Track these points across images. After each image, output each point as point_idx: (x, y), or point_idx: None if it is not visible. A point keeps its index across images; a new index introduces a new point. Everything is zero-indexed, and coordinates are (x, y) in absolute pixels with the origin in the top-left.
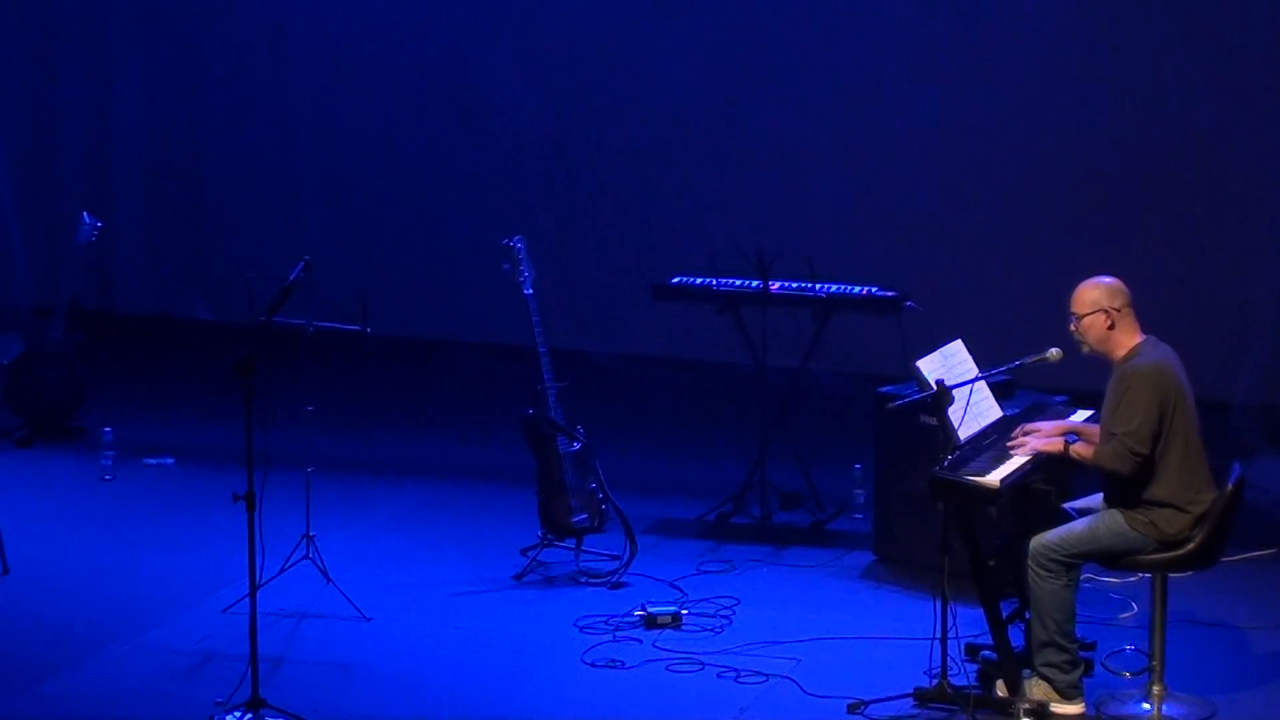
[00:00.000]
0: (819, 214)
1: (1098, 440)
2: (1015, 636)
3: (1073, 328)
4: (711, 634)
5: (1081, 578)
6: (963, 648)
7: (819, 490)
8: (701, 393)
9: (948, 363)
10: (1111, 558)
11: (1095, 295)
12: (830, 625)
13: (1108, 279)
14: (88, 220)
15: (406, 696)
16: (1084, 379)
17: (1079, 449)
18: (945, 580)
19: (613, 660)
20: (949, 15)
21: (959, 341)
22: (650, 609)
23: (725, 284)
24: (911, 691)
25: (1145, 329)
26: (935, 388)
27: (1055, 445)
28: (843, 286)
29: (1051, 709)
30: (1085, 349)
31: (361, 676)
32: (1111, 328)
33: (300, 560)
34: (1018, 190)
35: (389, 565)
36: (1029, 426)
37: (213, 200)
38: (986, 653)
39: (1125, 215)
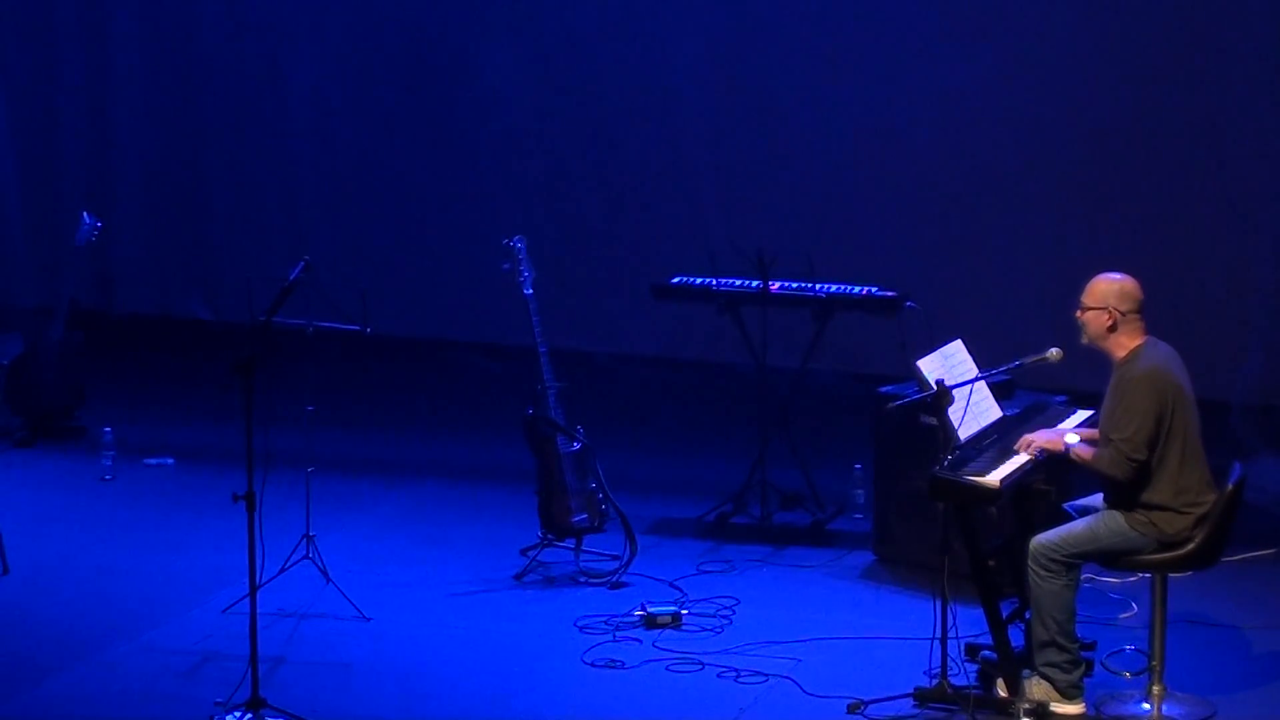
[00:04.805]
0: (819, 214)
1: (1098, 441)
2: (1015, 636)
3: (1078, 314)
4: (711, 634)
5: (1081, 578)
6: (963, 648)
7: (819, 490)
8: (701, 393)
9: (948, 363)
10: (1111, 558)
11: (1106, 292)
12: (830, 625)
13: (1125, 279)
14: (88, 220)
15: (406, 696)
16: (1084, 379)
17: (1079, 450)
18: (945, 580)
19: (613, 660)
20: (949, 14)
21: (959, 341)
22: (650, 609)
23: (725, 284)
24: (911, 691)
25: (1146, 329)
26: (935, 388)
27: (1056, 444)
28: (843, 286)
29: (1052, 709)
30: (1084, 339)
31: (361, 676)
32: (1112, 329)
33: (300, 560)
34: (1018, 190)
35: (389, 565)
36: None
37: (213, 200)
38: (986, 653)
39: (1125, 215)
